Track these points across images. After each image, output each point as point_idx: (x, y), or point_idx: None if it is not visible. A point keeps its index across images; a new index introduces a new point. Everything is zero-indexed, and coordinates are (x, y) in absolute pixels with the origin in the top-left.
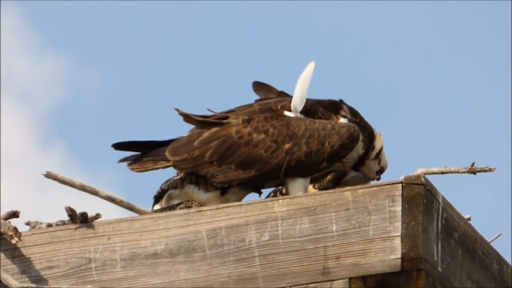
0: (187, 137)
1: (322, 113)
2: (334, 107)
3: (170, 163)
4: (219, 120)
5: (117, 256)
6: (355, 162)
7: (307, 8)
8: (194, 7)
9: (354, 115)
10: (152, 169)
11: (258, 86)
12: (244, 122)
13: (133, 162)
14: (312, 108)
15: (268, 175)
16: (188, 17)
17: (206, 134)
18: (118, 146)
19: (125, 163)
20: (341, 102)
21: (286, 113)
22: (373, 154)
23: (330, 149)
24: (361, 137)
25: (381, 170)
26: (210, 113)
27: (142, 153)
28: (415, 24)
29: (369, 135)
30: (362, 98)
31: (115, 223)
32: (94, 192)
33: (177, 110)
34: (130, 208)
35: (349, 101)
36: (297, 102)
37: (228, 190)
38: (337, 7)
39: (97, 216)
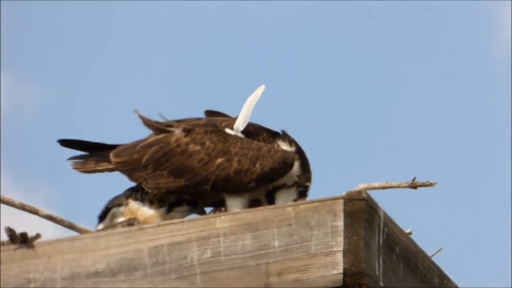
0: (135, 142)
1: (264, 138)
2: (278, 135)
3: (112, 166)
4: (165, 127)
5: (57, 276)
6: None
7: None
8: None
9: (297, 150)
10: (93, 171)
11: (211, 115)
12: (184, 131)
13: (76, 160)
14: (255, 131)
15: (196, 186)
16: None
17: (151, 139)
18: (65, 142)
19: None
20: (287, 134)
21: (227, 130)
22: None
23: (261, 170)
24: (297, 168)
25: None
26: (161, 119)
27: (90, 153)
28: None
29: (306, 172)
30: (304, 113)
31: (55, 243)
32: (34, 211)
33: (136, 112)
34: (71, 227)
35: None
36: (240, 122)
37: (173, 208)
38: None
39: (37, 236)
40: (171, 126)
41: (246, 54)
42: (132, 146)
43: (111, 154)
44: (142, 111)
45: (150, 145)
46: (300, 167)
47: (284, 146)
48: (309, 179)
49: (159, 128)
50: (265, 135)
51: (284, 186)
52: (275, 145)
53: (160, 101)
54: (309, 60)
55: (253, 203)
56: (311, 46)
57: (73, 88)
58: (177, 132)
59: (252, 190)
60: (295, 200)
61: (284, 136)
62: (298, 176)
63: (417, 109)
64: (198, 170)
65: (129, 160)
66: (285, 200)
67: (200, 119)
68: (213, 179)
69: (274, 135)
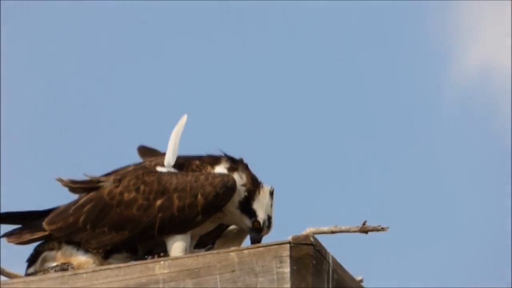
0: (66, 205)
1: (197, 166)
2: (212, 159)
3: (47, 233)
4: (95, 184)
5: None
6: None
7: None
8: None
9: (235, 163)
10: (30, 241)
11: (144, 151)
12: (115, 182)
13: (10, 234)
14: (187, 162)
15: (142, 235)
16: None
17: (82, 199)
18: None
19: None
20: (222, 154)
21: (158, 168)
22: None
23: (204, 200)
24: (240, 181)
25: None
26: (86, 178)
27: (24, 225)
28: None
29: (254, 181)
30: (246, 148)
31: None
32: None
33: (60, 180)
34: None
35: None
36: (170, 157)
37: (111, 255)
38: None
39: None
40: (99, 181)
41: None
42: (65, 210)
43: (44, 223)
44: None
45: (83, 205)
46: (240, 176)
47: (220, 168)
48: (254, 178)
49: (87, 188)
50: (197, 163)
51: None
52: (211, 171)
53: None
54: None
55: (217, 230)
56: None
57: None
58: (108, 184)
59: (201, 223)
60: (271, 205)
61: (216, 157)
62: (244, 185)
63: (370, 148)
64: (139, 218)
65: (65, 225)
66: (265, 208)
67: (128, 166)
68: (158, 222)
69: (205, 161)
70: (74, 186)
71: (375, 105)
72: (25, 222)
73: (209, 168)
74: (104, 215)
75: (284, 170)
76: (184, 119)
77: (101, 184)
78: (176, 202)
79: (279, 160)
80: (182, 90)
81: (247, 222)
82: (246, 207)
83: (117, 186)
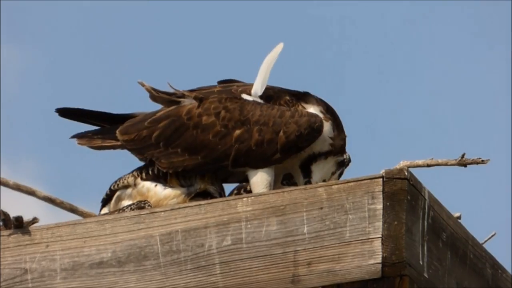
0: (143, 116)
1: (287, 101)
2: (303, 96)
3: (119, 143)
4: (176, 98)
5: (57, 266)
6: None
7: None
8: None
9: (326, 110)
10: (100, 147)
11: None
12: (196, 101)
13: (81, 136)
14: (276, 95)
15: (215, 163)
16: None
17: (160, 113)
18: (63, 112)
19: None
20: (310, 94)
21: (244, 96)
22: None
23: (285, 139)
24: (330, 130)
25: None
26: (171, 90)
27: (96, 130)
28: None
29: (341, 132)
30: (338, 85)
31: (54, 228)
32: (31, 192)
33: (142, 84)
34: (72, 210)
35: (324, 89)
36: (258, 85)
37: (196, 199)
38: None
39: (34, 220)
40: (182, 96)
41: (257, 13)
42: (140, 121)
43: (117, 132)
44: (148, 82)
45: (159, 119)
46: (333, 128)
47: (310, 108)
48: (343, 140)
49: (169, 100)
50: (287, 98)
51: (321, 156)
52: (300, 108)
53: (166, 71)
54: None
55: (287, 178)
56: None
57: (66, 52)
58: (188, 102)
59: (279, 162)
60: (333, 173)
61: (310, 97)
62: (332, 138)
63: (472, 82)
64: (214, 145)
65: (138, 137)
66: (322, 174)
67: (214, 86)
68: (233, 154)
69: (298, 98)
70: (157, 94)
71: None
72: (97, 123)
73: (299, 106)
74: (179, 135)
75: (377, 100)
76: (279, 47)
77: (182, 99)
78: (255, 135)
79: (374, 87)
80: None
81: (300, 179)
82: (307, 163)
83: (197, 107)
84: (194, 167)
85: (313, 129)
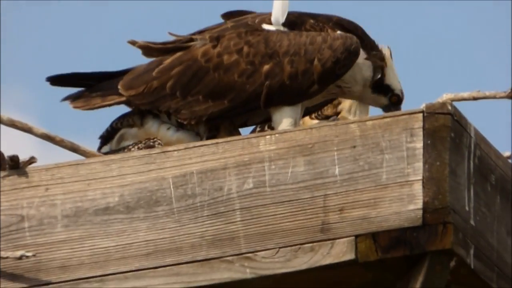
0: (146, 66)
1: (312, 25)
2: (326, 19)
3: (124, 99)
4: (184, 44)
5: (58, 212)
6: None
7: None
8: None
9: (354, 28)
10: (100, 107)
11: (230, 17)
12: (212, 41)
13: (76, 98)
14: (299, 20)
15: (245, 106)
16: None
17: (168, 60)
18: (55, 80)
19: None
20: (335, 16)
21: (265, 26)
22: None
23: (321, 67)
24: (363, 53)
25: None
26: (172, 38)
27: (89, 87)
28: None
29: (375, 51)
30: (373, 13)
31: (54, 168)
32: (27, 129)
33: (133, 42)
34: (74, 149)
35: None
36: (279, 12)
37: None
38: None
39: (32, 160)
40: (190, 40)
41: None
42: (145, 72)
43: (120, 86)
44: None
45: (171, 67)
46: (366, 48)
47: (340, 29)
48: (382, 58)
49: (173, 48)
50: (312, 21)
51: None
52: (330, 31)
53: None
54: None
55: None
56: None
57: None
58: (200, 44)
59: (317, 94)
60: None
61: (335, 18)
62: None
63: None
64: (242, 85)
65: (148, 90)
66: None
67: (223, 23)
68: (265, 92)
69: (322, 21)
70: (155, 46)
71: None
72: (89, 85)
73: (325, 27)
74: (198, 81)
75: (417, 29)
76: None
77: (191, 43)
78: (287, 68)
79: (413, 15)
80: None
81: (383, 100)
82: (379, 85)
83: (214, 47)
84: (221, 113)
85: (350, 52)
